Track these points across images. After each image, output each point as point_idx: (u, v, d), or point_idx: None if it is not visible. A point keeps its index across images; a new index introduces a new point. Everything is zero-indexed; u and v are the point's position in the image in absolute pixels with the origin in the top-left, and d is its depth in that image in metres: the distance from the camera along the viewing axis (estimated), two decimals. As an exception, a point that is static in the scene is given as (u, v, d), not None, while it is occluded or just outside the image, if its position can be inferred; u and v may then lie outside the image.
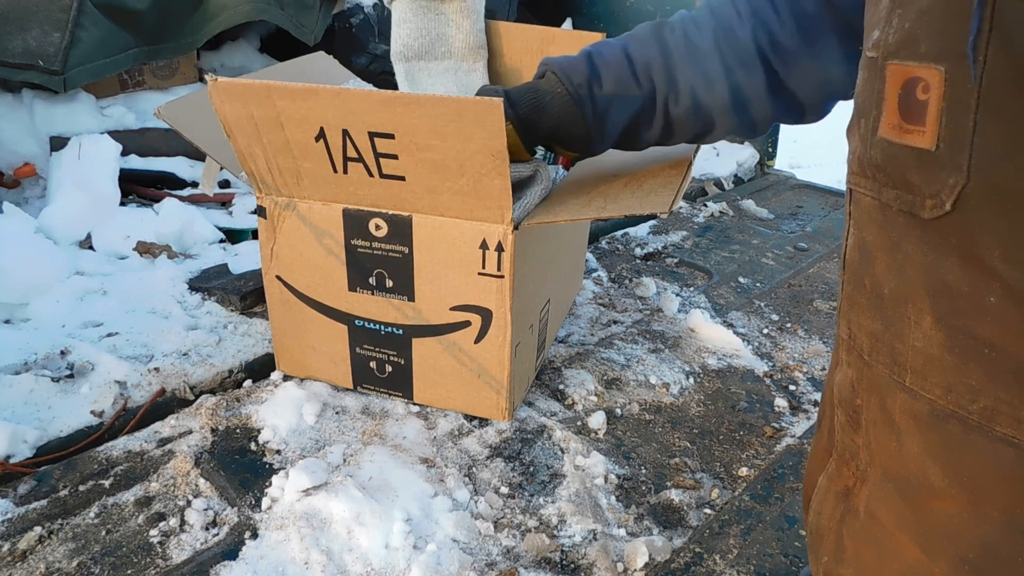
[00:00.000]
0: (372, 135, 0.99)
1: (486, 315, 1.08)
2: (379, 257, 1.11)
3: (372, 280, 1.13)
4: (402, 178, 1.02)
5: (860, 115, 0.51)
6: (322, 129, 1.02)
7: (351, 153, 1.02)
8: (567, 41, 1.30)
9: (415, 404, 1.20)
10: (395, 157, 1.00)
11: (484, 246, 1.03)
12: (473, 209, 1.01)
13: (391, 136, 0.97)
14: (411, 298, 1.11)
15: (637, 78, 0.94)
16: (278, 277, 1.20)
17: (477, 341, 1.10)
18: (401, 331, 1.14)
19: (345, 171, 1.05)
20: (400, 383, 1.19)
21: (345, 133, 1.01)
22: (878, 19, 0.47)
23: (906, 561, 0.52)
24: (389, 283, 1.12)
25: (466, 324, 1.09)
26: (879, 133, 0.47)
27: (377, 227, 1.09)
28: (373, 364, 1.20)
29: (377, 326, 1.16)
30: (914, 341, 0.47)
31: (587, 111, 0.96)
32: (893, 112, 0.46)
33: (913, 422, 0.49)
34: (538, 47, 1.33)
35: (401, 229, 1.07)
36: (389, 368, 1.19)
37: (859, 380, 0.56)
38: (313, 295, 1.19)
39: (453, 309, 1.09)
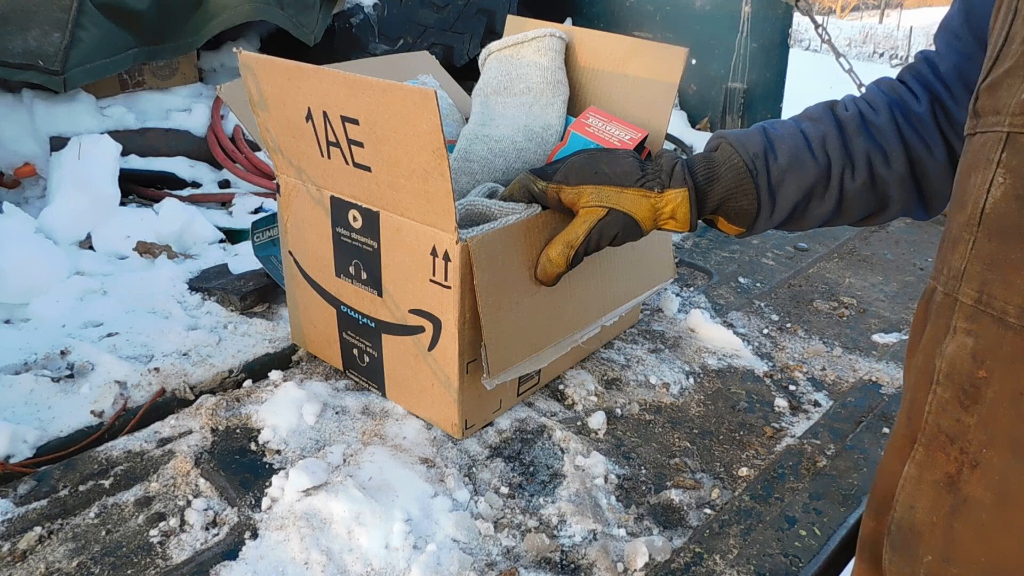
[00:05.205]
0: (344, 119, 0.98)
1: (437, 324, 1.05)
2: (356, 248, 1.11)
3: (352, 269, 1.13)
4: (368, 168, 1.01)
5: None
6: (309, 110, 1.02)
7: (331, 137, 1.02)
8: (653, 53, 1.26)
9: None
10: (361, 145, 0.99)
11: (434, 253, 1.00)
12: (425, 212, 0.99)
13: (356, 122, 0.97)
14: (380, 293, 1.11)
15: (812, 151, 0.92)
16: (290, 252, 1.24)
17: (430, 349, 1.08)
18: (373, 324, 1.15)
19: (328, 156, 1.05)
20: (375, 376, 1.20)
21: (325, 115, 1.01)
22: None
23: None
24: (363, 275, 1.12)
25: (421, 329, 1.07)
26: None
27: (354, 218, 1.09)
28: (355, 352, 1.20)
29: (356, 315, 1.17)
30: None
31: (760, 183, 0.94)
32: None
33: None
34: (623, 57, 1.31)
35: (372, 224, 1.07)
36: (367, 359, 1.19)
37: (990, 349, 0.52)
38: (312, 275, 1.21)
39: (411, 312, 1.08)
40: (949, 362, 0.56)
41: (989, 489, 0.53)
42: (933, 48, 0.90)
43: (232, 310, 1.46)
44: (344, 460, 1.07)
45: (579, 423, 1.19)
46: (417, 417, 1.16)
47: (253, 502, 1.00)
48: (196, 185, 2.38)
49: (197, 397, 1.22)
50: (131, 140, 2.28)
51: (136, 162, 2.28)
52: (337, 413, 1.17)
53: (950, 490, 0.56)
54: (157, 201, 2.04)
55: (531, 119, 1.28)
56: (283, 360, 1.33)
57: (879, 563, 0.67)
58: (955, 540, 0.56)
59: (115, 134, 2.18)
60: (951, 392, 0.56)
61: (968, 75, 0.84)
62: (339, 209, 1.11)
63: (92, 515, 0.97)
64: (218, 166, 2.47)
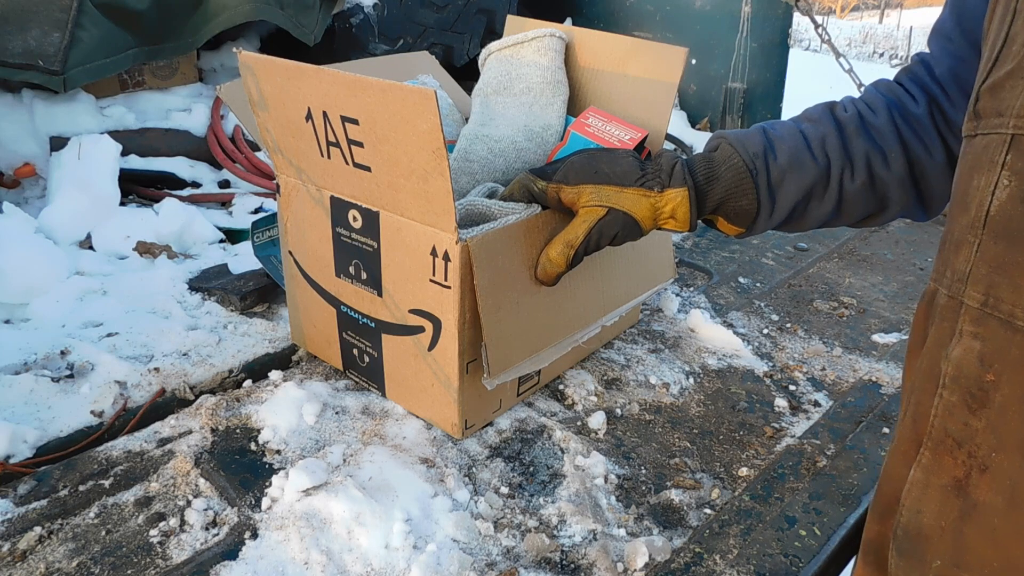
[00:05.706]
0: (343, 119, 0.99)
1: (436, 323, 1.05)
2: (356, 248, 1.11)
3: (351, 269, 1.13)
4: (368, 168, 1.01)
5: None
6: (309, 110, 1.03)
7: (331, 137, 1.03)
8: (653, 53, 1.26)
9: (415, 404, 1.20)
10: (361, 145, 0.99)
11: (434, 253, 1.00)
12: (425, 212, 0.99)
13: (356, 122, 0.97)
14: (379, 293, 1.11)
15: (812, 152, 0.92)
16: (290, 252, 1.24)
17: (430, 349, 1.07)
18: (373, 324, 1.15)
19: (328, 156, 1.06)
20: (375, 376, 1.20)
21: (325, 115, 1.01)
22: None
23: None
24: (363, 275, 1.12)
25: (421, 329, 1.07)
26: None
27: (354, 218, 1.09)
28: (355, 352, 1.21)
29: (356, 315, 1.17)
30: None
31: (760, 182, 0.94)
32: None
33: None
34: (623, 57, 1.31)
35: (372, 224, 1.07)
36: (367, 359, 1.19)
37: (998, 352, 0.52)
38: (312, 275, 1.21)
39: (411, 312, 1.08)
40: (956, 365, 0.56)
41: (1000, 493, 0.53)
42: (928, 51, 0.90)
43: (232, 310, 1.46)
44: (344, 460, 1.07)
45: (579, 423, 1.19)
46: (417, 417, 1.16)
47: (253, 502, 1.00)
48: (196, 185, 2.38)
49: (197, 397, 1.22)
50: (131, 140, 2.28)
51: (136, 162, 2.28)
52: (337, 413, 1.17)
53: (958, 494, 0.56)
54: (157, 201, 2.04)
55: (531, 119, 1.28)
56: (283, 360, 1.33)
57: (884, 567, 0.66)
58: (965, 545, 0.56)
59: (115, 134, 2.18)
60: (958, 396, 0.55)
61: (963, 77, 0.84)
62: (339, 209, 1.11)
63: (92, 515, 0.97)
64: (218, 166, 2.47)
